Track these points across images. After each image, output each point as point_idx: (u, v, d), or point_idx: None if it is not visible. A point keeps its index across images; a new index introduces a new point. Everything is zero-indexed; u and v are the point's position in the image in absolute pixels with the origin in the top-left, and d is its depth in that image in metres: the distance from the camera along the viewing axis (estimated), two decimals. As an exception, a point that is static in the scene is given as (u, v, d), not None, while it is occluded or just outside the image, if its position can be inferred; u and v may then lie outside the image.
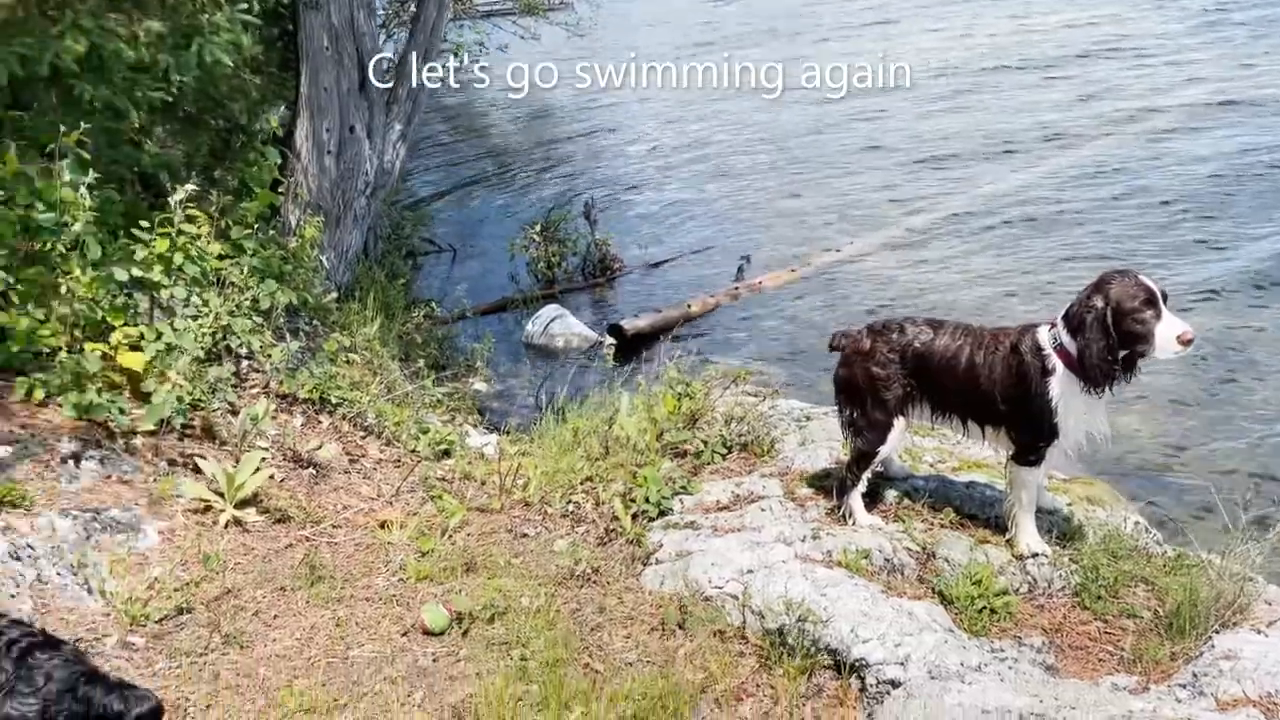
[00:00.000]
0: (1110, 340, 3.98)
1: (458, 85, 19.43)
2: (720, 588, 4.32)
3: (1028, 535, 4.47)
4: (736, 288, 10.65)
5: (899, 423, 4.65)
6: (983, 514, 4.83)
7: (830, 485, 5.07)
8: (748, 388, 6.96)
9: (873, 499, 4.92)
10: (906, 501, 4.95)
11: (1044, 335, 4.24)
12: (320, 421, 6.46)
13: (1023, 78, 18.81)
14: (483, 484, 5.95)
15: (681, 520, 4.98)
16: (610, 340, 7.43)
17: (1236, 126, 14.51)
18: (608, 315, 10.56)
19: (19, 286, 5.51)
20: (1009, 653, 3.90)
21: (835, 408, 4.99)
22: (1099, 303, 4.01)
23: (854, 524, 4.71)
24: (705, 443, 5.77)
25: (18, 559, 4.18)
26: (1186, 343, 3.99)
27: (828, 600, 4.04)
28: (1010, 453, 4.43)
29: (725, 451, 5.78)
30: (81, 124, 6.07)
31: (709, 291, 10.56)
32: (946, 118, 16.68)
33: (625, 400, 6.37)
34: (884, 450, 4.71)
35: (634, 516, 5.14)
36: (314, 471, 5.80)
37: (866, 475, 4.76)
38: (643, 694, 3.75)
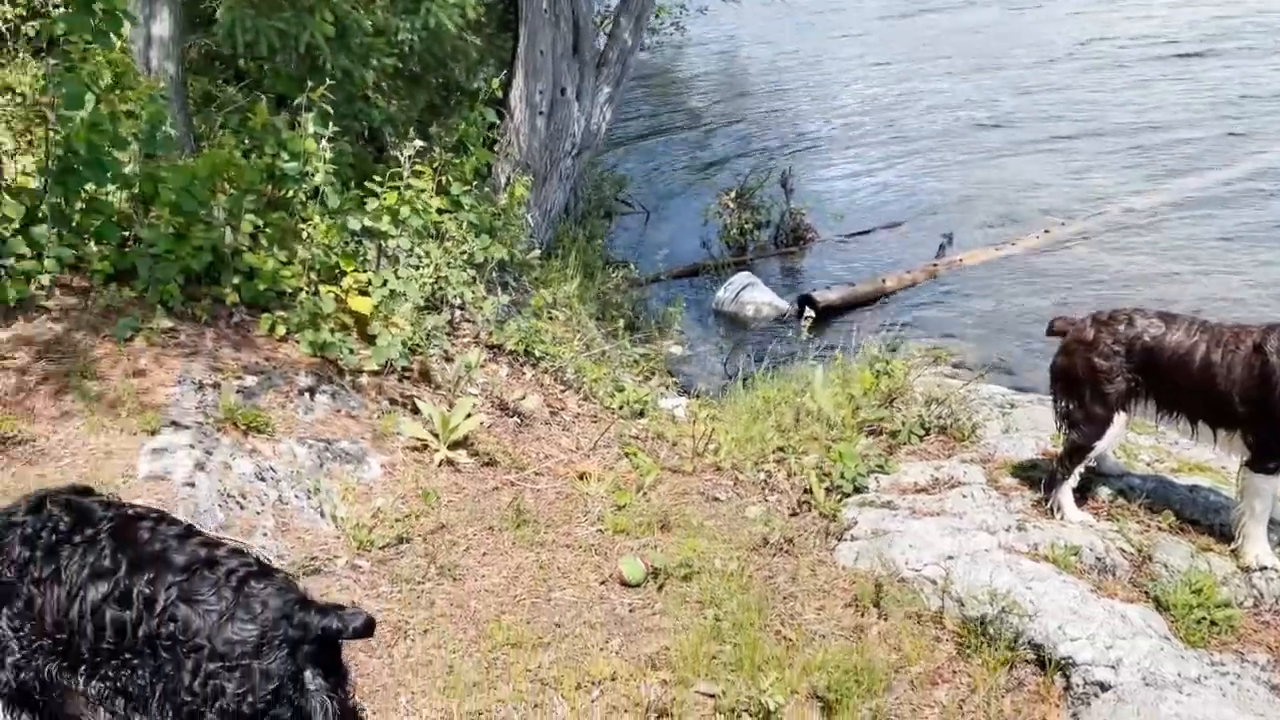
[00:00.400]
0: None
1: (657, 45, 19.61)
2: (918, 570, 4.27)
3: (1257, 546, 4.19)
4: (936, 264, 10.33)
5: (1119, 418, 4.44)
6: (1205, 520, 4.55)
7: (1036, 476, 4.91)
8: (946, 369, 6.80)
9: (1083, 495, 4.73)
10: (1121, 500, 4.73)
11: None
12: (524, 373, 6.74)
13: (1260, 43, 17.23)
14: (674, 445, 6.07)
15: (878, 499, 4.94)
16: (810, 311, 7.37)
17: None
18: (798, 285, 10.48)
19: (267, 230, 5.99)
20: (1230, 668, 3.69)
21: (1049, 396, 4.82)
22: None
23: (1063, 519, 4.54)
24: (903, 423, 5.68)
25: (263, 479, 4.60)
26: None
27: (1033, 594, 3.93)
28: (1245, 459, 4.15)
29: (923, 433, 5.68)
30: (325, 83, 6.51)
31: (906, 267, 10.29)
32: (1172, 91, 15.50)
33: (819, 373, 6.33)
34: (1100, 446, 4.51)
35: (828, 490, 5.14)
36: (518, 420, 6.08)
37: (1079, 470, 4.57)
38: (836, 666, 3.77)
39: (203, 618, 2.63)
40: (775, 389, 6.69)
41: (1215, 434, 4.24)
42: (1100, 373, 4.38)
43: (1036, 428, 5.59)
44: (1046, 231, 10.88)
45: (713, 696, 3.71)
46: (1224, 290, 9.06)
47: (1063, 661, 3.72)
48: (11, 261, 5.14)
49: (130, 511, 2.94)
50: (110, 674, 2.72)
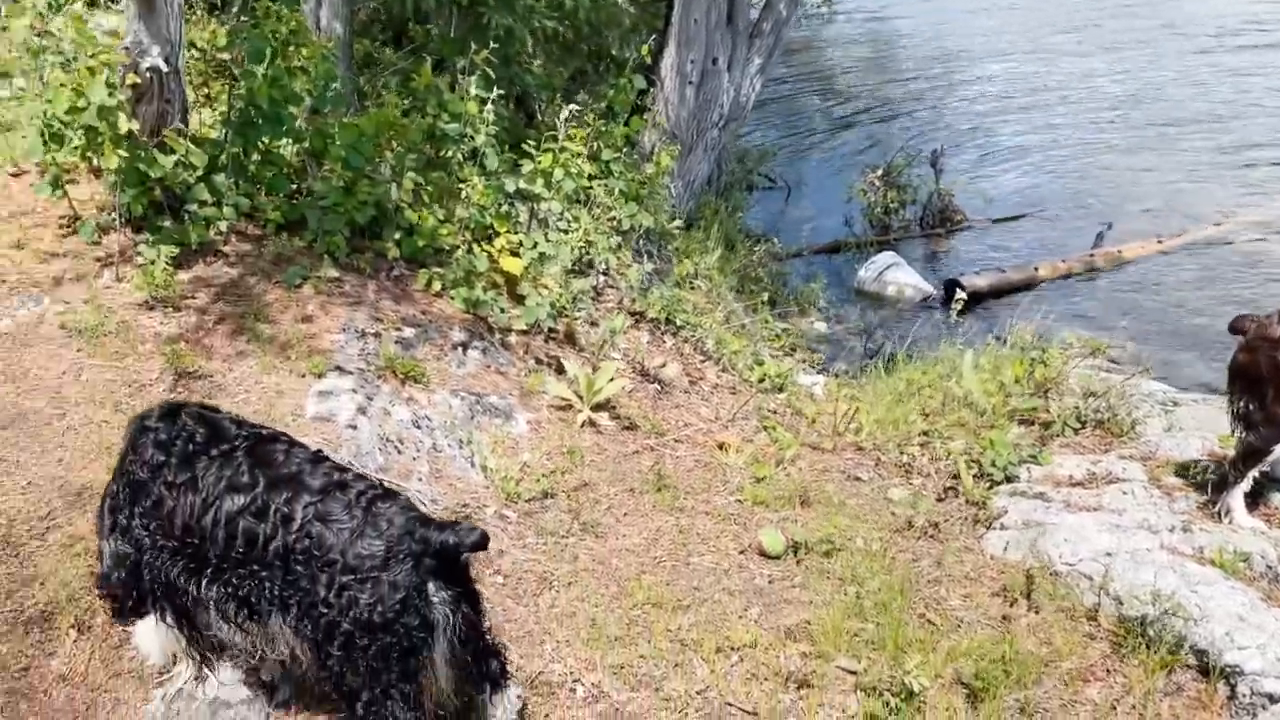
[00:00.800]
0: None
1: (803, 17, 19.23)
2: (1072, 565, 4.13)
3: None
4: (1093, 254, 9.88)
5: None
6: (1398, 537, 4.25)
7: (1203, 478, 4.66)
8: (1103, 362, 6.52)
9: (1254, 500, 4.47)
10: (1299, 508, 4.46)
11: None
12: (664, 341, 6.77)
13: None
14: (813, 422, 6.02)
15: (1029, 490, 4.79)
16: (960, 294, 7.16)
17: None
18: (943, 268, 10.19)
19: (428, 188, 6.17)
20: None
21: (1219, 396, 4.57)
22: None
23: (1231, 523, 4.31)
24: (1058, 414, 5.48)
25: (418, 427, 4.76)
26: None
27: (1199, 598, 3.75)
28: None
29: (1079, 426, 5.47)
30: (488, 45, 6.64)
31: (1060, 255, 9.87)
32: None
33: (968, 358, 6.16)
34: (1279, 450, 4.25)
35: (976, 478, 5.01)
36: (658, 387, 6.12)
37: (1253, 474, 4.33)
38: (983, 655, 3.68)
39: (336, 535, 2.78)
40: (919, 372, 6.56)
41: None
42: None
43: (1201, 428, 5.31)
44: (1216, 225, 10.26)
45: (853, 673, 3.68)
46: None
47: (1228, 669, 3.54)
48: (195, 207, 5.43)
49: (262, 432, 3.12)
50: (234, 581, 2.88)
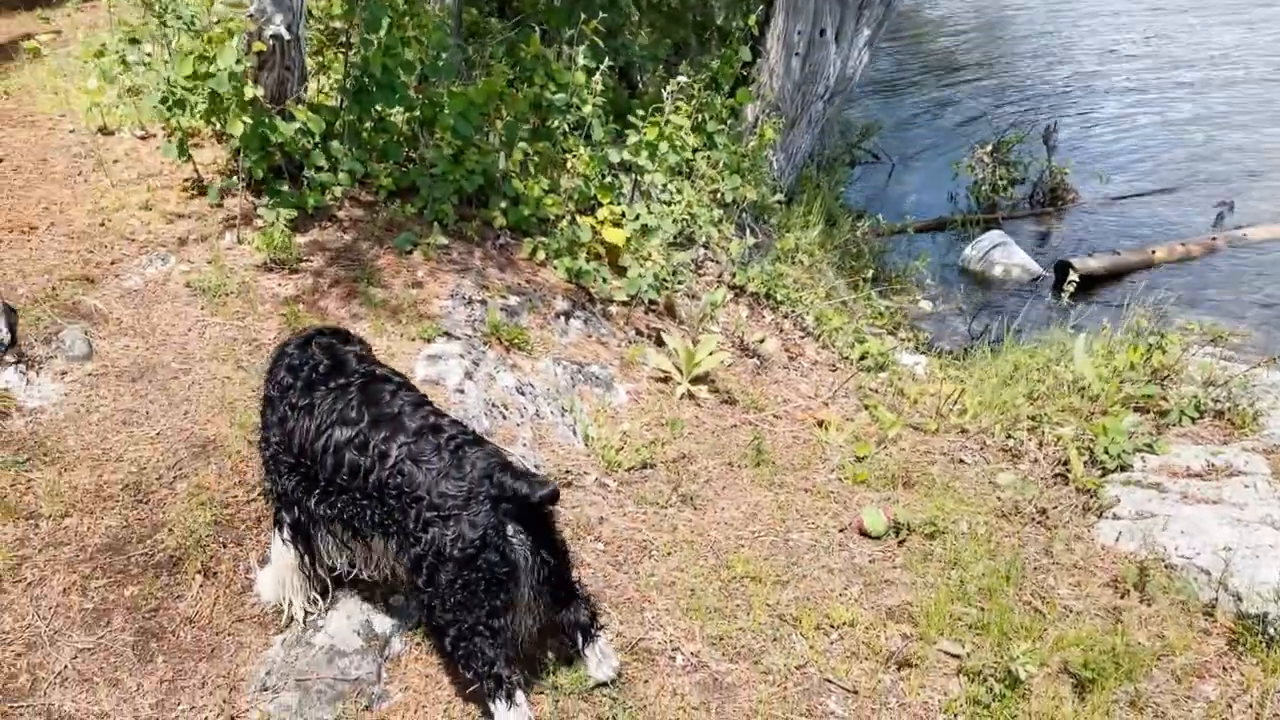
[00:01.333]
0: None
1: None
2: (1189, 559, 3.99)
3: None
4: (1214, 237, 9.43)
5: None
6: None
7: (1333, 474, 4.44)
8: (1225, 350, 6.24)
9: (1390, 500, 4.25)
10: None
11: None
12: (764, 316, 6.73)
13: None
14: (915, 402, 5.91)
15: (1144, 479, 4.63)
16: (1073, 276, 6.93)
17: None
18: (1054, 248, 9.85)
19: (534, 158, 6.22)
20: None
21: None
22: None
23: (1364, 523, 4.10)
24: (1175, 402, 5.27)
25: (522, 393, 4.84)
26: None
27: (1327, 599, 3.58)
28: None
29: (1197, 415, 5.25)
30: (596, 15, 6.63)
31: (1179, 238, 9.45)
32: None
33: (1080, 341, 5.97)
34: None
35: (1087, 465, 4.86)
36: (757, 362, 6.09)
37: (1389, 472, 4.10)
38: (1092, 645, 3.59)
39: (425, 474, 2.94)
40: (1027, 355, 6.37)
41: None
42: None
43: (1333, 422, 5.06)
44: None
45: (956, 657, 3.63)
46: None
47: (1357, 675, 3.39)
48: (312, 172, 5.58)
49: (377, 371, 3.30)
50: (339, 504, 3.09)
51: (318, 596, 3.36)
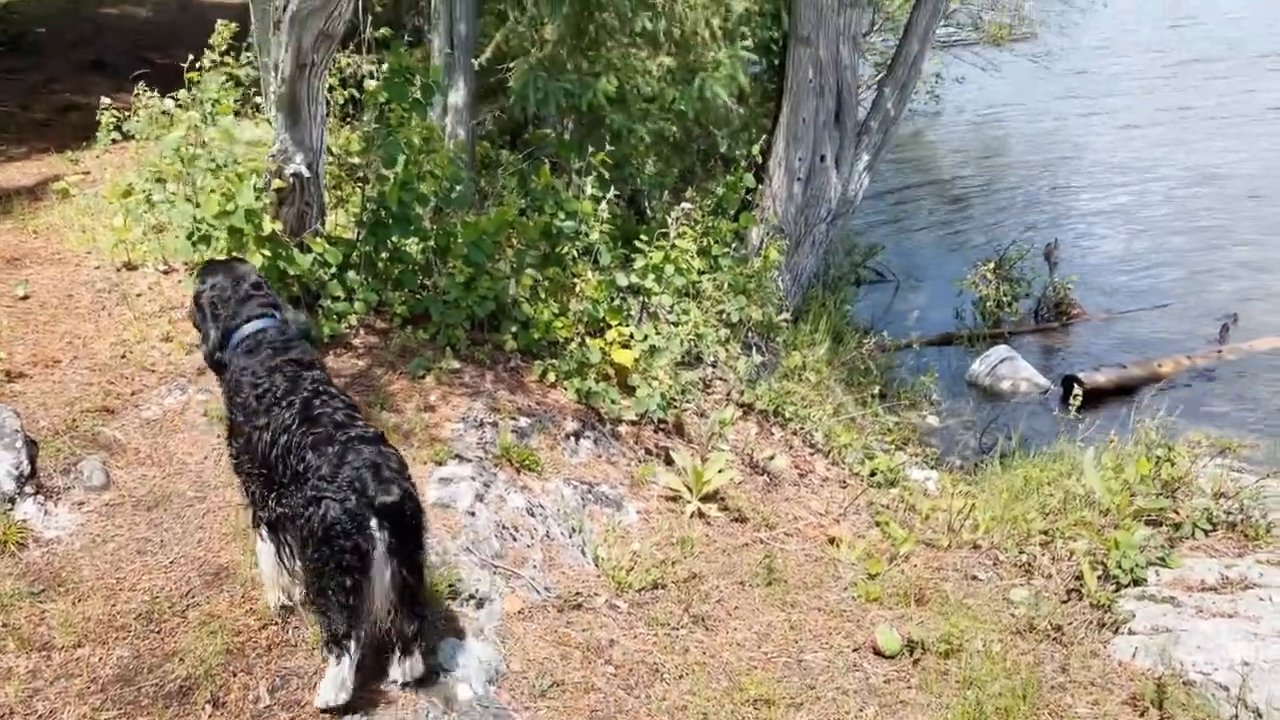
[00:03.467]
0: None
1: (910, 114, 19.36)
2: (1207, 674, 3.93)
3: None
4: (1219, 350, 9.51)
5: None
6: None
7: (1350, 586, 4.39)
8: (1234, 462, 6.23)
9: None
10: None
11: None
12: (773, 433, 6.78)
13: None
14: (926, 518, 5.90)
15: (1159, 593, 4.58)
16: (1078, 390, 7.00)
17: None
18: (1060, 363, 9.94)
19: (545, 283, 6.41)
20: None
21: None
22: None
23: (1384, 636, 4.04)
24: (1187, 515, 5.26)
25: (533, 515, 4.87)
26: None
27: (1351, 716, 3.51)
28: None
29: (1210, 528, 5.23)
30: (603, 148, 6.93)
31: (1184, 351, 9.53)
32: None
33: (1090, 455, 5.98)
34: None
35: (1101, 580, 4.82)
36: (767, 479, 6.12)
37: None
38: (1114, 768, 3.51)
39: (317, 460, 3.31)
40: (1038, 469, 6.39)
41: None
42: None
43: (1347, 533, 5.02)
44: (1354, 318, 9.81)
45: (975, 781, 3.55)
46: None
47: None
48: (328, 302, 5.76)
49: (324, 390, 3.61)
50: (284, 500, 3.41)
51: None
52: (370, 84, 7.10)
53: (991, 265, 10.85)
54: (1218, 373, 9.28)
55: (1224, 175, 15.61)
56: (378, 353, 5.73)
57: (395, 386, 5.46)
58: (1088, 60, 25.65)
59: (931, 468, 7.26)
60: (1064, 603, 4.74)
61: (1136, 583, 4.73)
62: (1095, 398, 8.83)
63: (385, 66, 6.37)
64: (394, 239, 6.11)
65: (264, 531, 3.61)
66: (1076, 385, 8.46)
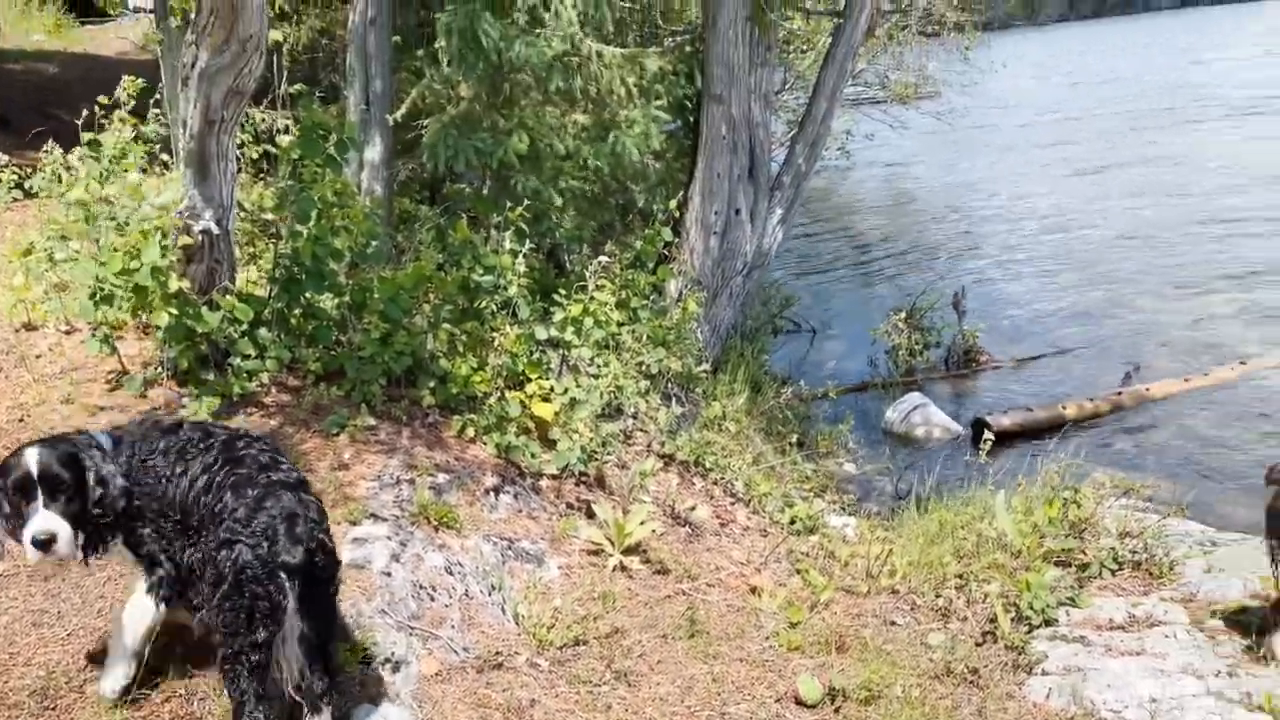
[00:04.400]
0: None
1: (822, 169, 19.93)
2: (1118, 712, 4.03)
3: None
4: (1120, 393, 9.89)
5: None
6: None
7: (1247, 620, 4.57)
8: (1138, 503, 6.46)
9: (1302, 642, 4.36)
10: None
11: None
12: (694, 484, 6.81)
13: None
14: (845, 565, 5.97)
15: (1070, 633, 4.70)
16: (988, 434, 7.20)
17: None
18: (970, 408, 10.22)
19: (462, 338, 6.37)
20: None
21: (1257, 537, 4.52)
22: None
23: (1278, 667, 4.19)
24: (1095, 555, 5.42)
25: (451, 573, 4.78)
26: None
27: (1252, 747, 3.63)
28: None
29: (1116, 567, 5.40)
30: (520, 203, 6.98)
31: (1088, 395, 9.89)
32: None
33: (1000, 499, 6.14)
34: None
35: (1014, 621, 4.93)
36: (689, 530, 6.13)
37: (1297, 620, 4.23)
38: (1031, 809, 3.56)
39: (236, 505, 3.20)
40: (951, 513, 6.52)
41: None
42: None
43: (1241, 569, 5.23)
44: (1242, 363, 10.29)
45: (897, 829, 3.56)
46: None
47: (1289, 824, 3.40)
48: (239, 360, 5.64)
49: (239, 433, 3.55)
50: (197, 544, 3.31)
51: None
52: (284, 139, 7.05)
53: (903, 314, 11.16)
54: (1118, 416, 9.64)
55: (1121, 224, 16.41)
56: (290, 411, 5.61)
57: (308, 445, 5.34)
58: (989, 117, 26.86)
59: (849, 514, 7.37)
60: (979, 645, 4.82)
61: (1048, 623, 4.84)
62: (1005, 440, 9.08)
63: (299, 123, 6.34)
64: (307, 295, 6.03)
65: (157, 591, 3.43)
66: (986, 429, 8.69)
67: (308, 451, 5.28)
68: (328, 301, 6.26)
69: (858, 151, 20.47)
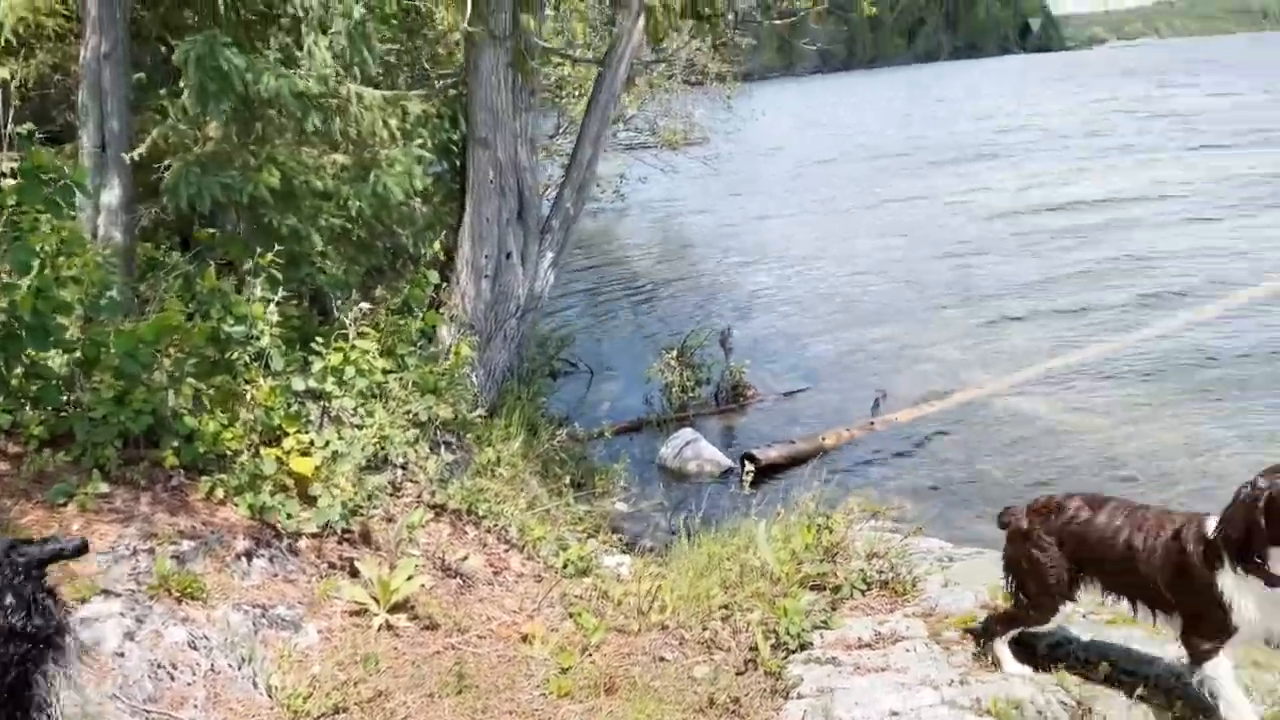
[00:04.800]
0: (1254, 528, 3.58)
1: (599, 211, 20.37)
2: (864, 728, 4.24)
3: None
4: (872, 421, 10.60)
5: (1065, 607, 4.41)
6: (1140, 671, 4.60)
7: (977, 629, 4.95)
8: (886, 523, 6.90)
9: (1021, 646, 4.77)
10: (1059, 651, 4.77)
11: (1211, 525, 3.83)
12: (467, 532, 6.69)
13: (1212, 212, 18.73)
14: (619, 604, 6.02)
15: (823, 655, 4.93)
16: (750, 467, 7.50)
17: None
18: (739, 442, 10.64)
19: (210, 392, 6.00)
20: (1176, 822, 3.69)
21: (987, 550, 4.91)
22: (1262, 484, 3.60)
23: (1003, 672, 4.56)
24: (845, 577, 5.73)
25: (195, 648, 4.46)
26: None
27: (979, 749, 3.92)
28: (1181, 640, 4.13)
29: (865, 588, 5.72)
30: (275, 246, 6.68)
31: (844, 425, 10.54)
32: (1108, 251, 16.67)
33: (762, 529, 6.38)
34: (1048, 628, 4.53)
35: (774, 648, 5.12)
36: (460, 581, 6.01)
37: (1014, 632, 4.61)
38: (786, 832, 3.69)
39: None
40: (719, 545, 6.71)
41: (1154, 615, 4.13)
42: (1040, 564, 4.32)
43: (975, 581, 5.66)
44: (979, 387, 11.28)
45: None
46: (1158, 446, 9.41)
47: (1011, 819, 3.69)
48: (-56, 428, 5.07)
49: None
50: None
51: None
52: (7, 183, 6.45)
53: (675, 353, 11.51)
54: (870, 442, 10.33)
55: (870, 260, 17.70)
56: (8, 481, 5.09)
57: (29, 518, 4.86)
58: (752, 162, 28.37)
59: (624, 553, 7.46)
60: (740, 674, 4.97)
61: (803, 647, 5.05)
62: (772, 471, 9.52)
63: (19, 166, 5.82)
64: (29, 353, 5.51)
65: None
66: (753, 462, 9.08)
67: (28, 525, 4.81)
68: (55, 359, 5.75)
69: (632, 195, 21.14)
